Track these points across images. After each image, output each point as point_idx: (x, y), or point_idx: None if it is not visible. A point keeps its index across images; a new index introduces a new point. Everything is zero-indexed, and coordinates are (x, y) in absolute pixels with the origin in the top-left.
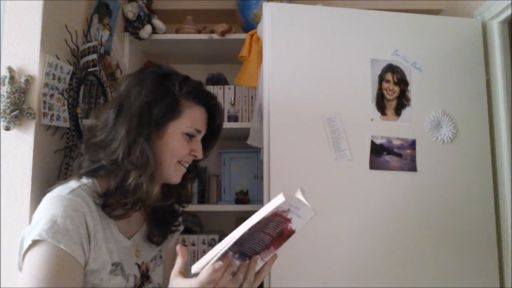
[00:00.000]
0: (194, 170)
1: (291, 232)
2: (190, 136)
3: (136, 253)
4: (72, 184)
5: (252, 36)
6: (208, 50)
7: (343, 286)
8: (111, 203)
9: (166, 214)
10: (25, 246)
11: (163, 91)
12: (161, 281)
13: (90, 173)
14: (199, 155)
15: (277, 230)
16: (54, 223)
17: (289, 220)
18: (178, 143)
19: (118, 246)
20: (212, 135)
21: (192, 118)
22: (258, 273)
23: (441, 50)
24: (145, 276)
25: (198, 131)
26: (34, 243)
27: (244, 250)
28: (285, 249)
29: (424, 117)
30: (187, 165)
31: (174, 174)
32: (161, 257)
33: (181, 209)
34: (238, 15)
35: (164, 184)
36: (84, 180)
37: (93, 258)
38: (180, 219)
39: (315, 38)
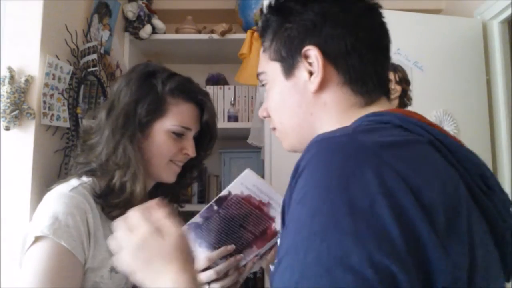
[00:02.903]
0: (196, 170)
1: (276, 233)
2: (178, 135)
3: None
4: (73, 182)
5: (253, 33)
6: (208, 50)
7: None
8: (106, 204)
9: None
10: (28, 243)
11: (147, 89)
12: None
13: (90, 172)
14: (191, 153)
15: (259, 228)
16: (56, 219)
17: (272, 219)
18: (165, 143)
19: None
20: (204, 132)
21: (178, 115)
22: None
23: (442, 50)
24: None
25: (187, 129)
26: (36, 239)
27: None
28: None
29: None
30: (180, 164)
31: (166, 173)
32: None
33: (178, 208)
34: (238, 15)
35: (162, 183)
36: (85, 178)
37: (93, 256)
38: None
39: None
